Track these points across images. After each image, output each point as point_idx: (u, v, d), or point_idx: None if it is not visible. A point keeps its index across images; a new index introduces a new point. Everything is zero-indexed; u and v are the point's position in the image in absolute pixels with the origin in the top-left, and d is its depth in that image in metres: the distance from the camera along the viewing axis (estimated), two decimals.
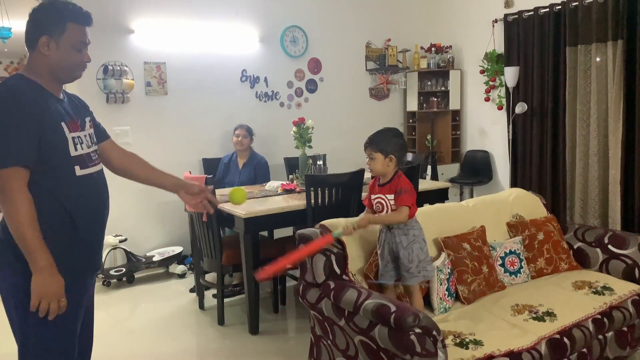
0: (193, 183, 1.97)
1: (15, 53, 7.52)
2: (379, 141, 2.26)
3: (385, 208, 2.28)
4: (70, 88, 4.69)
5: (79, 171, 1.68)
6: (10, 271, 1.63)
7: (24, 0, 3.97)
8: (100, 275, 4.11)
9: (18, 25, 4.62)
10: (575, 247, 3.02)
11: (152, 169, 2.00)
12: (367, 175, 3.75)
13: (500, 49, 5.30)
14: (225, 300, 3.52)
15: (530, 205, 3.17)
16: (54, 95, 1.68)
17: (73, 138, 1.67)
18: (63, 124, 1.64)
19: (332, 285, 2.23)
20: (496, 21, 5.31)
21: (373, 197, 2.33)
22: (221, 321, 3.40)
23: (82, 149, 1.70)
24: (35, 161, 1.57)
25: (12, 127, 1.52)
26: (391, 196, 2.25)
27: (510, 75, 4.99)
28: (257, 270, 2.10)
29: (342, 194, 3.38)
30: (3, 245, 1.62)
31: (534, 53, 4.94)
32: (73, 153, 1.66)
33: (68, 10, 1.67)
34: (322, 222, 2.50)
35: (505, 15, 5.17)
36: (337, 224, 2.49)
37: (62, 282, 1.60)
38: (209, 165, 4.61)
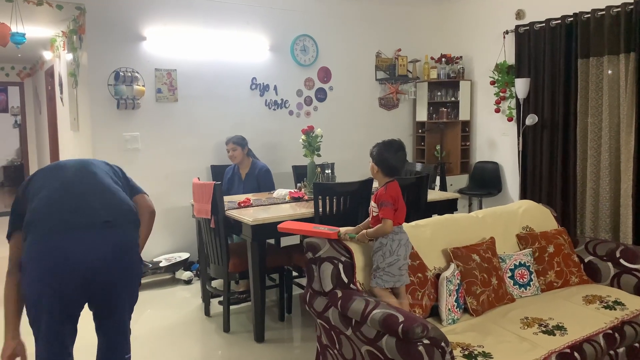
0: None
1: (28, 59, 7.61)
2: (373, 147, 2.41)
3: (371, 214, 2.40)
4: (82, 93, 4.73)
5: None
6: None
7: (38, 7, 4.01)
8: None
9: (31, 31, 4.68)
10: (586, 260, 2.98)
11: None
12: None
13: (510, 60, 5.29)
14: (231, 307, 3.50)
15: (541, 217, 3.13)
16: None
17: None
18: None
19: (339, 294, 2.21)
20: (507, 32, 5.30)
21: None
22: (227, 328, 3.39)
23: None
24: None
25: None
26: (374, 205, 2.36)
27: (521, 86, 4.97)
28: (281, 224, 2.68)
29: (350, 203, 3.36)
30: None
31: (545, 65, 4.93)
32: None
33: None
34: None
35: (517, 27, 5.16)
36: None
37: None
38: (217, 172, 4.61)
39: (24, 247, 1.89)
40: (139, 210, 2.14)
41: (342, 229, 2.45)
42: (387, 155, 2.34)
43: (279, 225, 2.70)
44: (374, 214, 2.36)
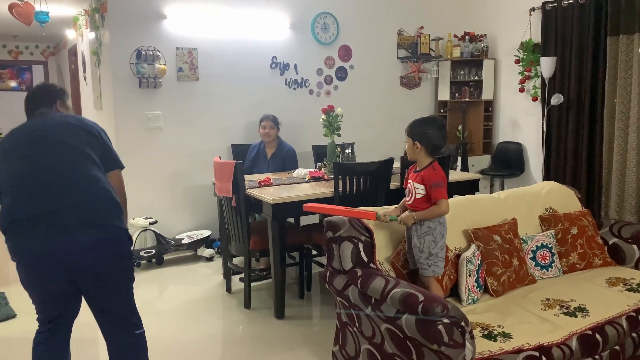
0: None
1: (51, 38, 7.69)
2: (412, 126, 2.32)
3: (412, 195, 2.31)
4: (104, 72, 4.75)
5: None
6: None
7: None
8: None
9: (55, 9, 4.72)
10: (610, 242, 2.93)
11: None
12: (397, 164, 3.72)
13: (536, 38, 5.15)
14: (252, 284, 3.56)
15: (564, 199, 3.09)
16: None
17: None
18: None
19: (359, 272, 2.22)
20: (533, 9, 5.16)
21: (409, 181, 2.36)
22: (248, 305, 3.44)
23: None
24: None
25: None
26: (419, 185, 2.27)
27: (547, 65, 4.85)
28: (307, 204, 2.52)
29: (370, 183, 3.36)
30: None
31: (572, 43, 4.79)
32: None
33: (65, 91, 2.34)
34: None
35: (544, 4, 5.01)
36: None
37: None
38: (238, 151, 4.64)
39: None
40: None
41: (381, 210, 2.39)
42: (431, 133, 2.26)
43: (307, 205, 2.51)
44: (418, 196, 2.27)
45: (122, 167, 2.19)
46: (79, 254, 1.90)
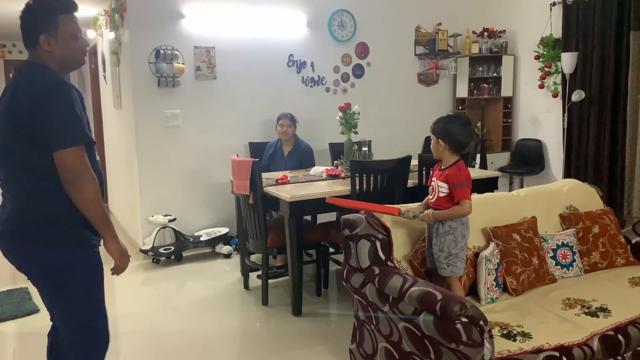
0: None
1: None
2: (436, 123, 2.30)
3: (435, 193, 2.29)
4: (124, 71, 4.81)
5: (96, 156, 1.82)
6: (84, 251, 1.76)
7: None
8: (150, 252, 4.27)
9: None
10: (633, 242, 2.88)
11: None
12: (414, 162, 3.70)
13: (557, 33, 5.07)
14: (270, 281, 3.58)
15: (585, 197, 3.04)
16: None
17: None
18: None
19: (376, 270, 2.22)
20: (554, 4, 5.07)
21: (433, 178, 2.35)
22: (265, 301, 3.46)
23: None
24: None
25: (75, 108, 1.63)
26: (443, 184, 2.25)
27: (568, 61, 4.77)
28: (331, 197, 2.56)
29: (388, 181, 3.34)
30: (73, 225, 1.72)
31: (594, 38, 4.70)
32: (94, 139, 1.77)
33: (56, 3, 1.71)
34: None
35: None
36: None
37: None
38: (255, 149, 4.66)
39: None
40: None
41: (404, 207, 2.39)
42: (454, 129, 2.23)
43: (331, 199, 2.61)
44: (441, 195, 2.25)
45: (68, 146, 1.60)
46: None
